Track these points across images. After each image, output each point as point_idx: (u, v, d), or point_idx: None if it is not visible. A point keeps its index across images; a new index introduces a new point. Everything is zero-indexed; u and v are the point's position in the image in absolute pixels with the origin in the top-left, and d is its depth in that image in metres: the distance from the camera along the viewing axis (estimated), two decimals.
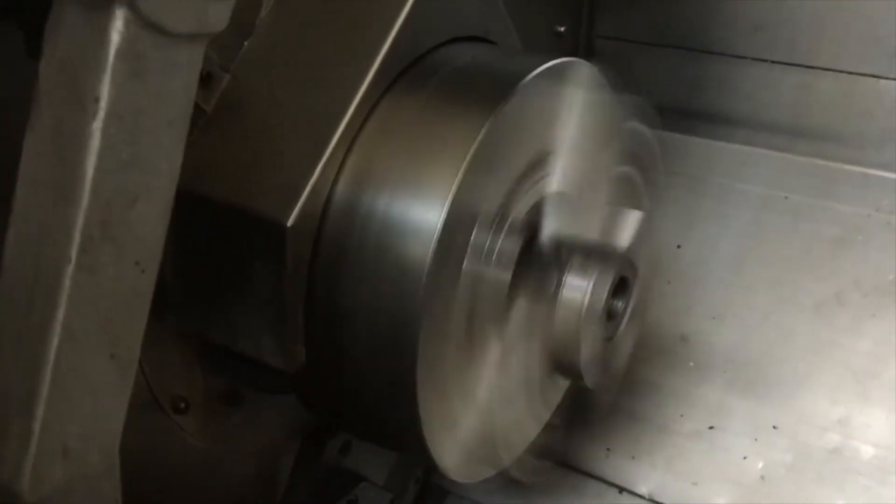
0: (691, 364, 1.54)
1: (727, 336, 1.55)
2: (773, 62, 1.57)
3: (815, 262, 1.54)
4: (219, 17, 0.76)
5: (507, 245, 1.04)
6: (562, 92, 1.09)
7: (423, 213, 0.97)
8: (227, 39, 0.99)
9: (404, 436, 1.07)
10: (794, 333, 1.51)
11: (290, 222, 0.97)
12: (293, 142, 1.02)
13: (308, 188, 0.98)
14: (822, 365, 1.48)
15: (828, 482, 1.40)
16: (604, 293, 1.08)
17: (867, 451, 1.40)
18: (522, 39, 1.26)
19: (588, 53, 1.71)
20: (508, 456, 1.20)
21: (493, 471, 1.20)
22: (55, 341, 0.74)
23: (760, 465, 1.44)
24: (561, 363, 1.12)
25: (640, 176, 1.20)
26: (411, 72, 1.06)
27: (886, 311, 1.48)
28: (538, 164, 1.08)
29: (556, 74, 1.08)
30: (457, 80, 1.06)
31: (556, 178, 1.10)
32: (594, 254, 1.08)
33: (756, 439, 1.46)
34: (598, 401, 1.27)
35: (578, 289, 1.07)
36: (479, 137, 0.98)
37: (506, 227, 1.04)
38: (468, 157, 0.97)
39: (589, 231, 1.10)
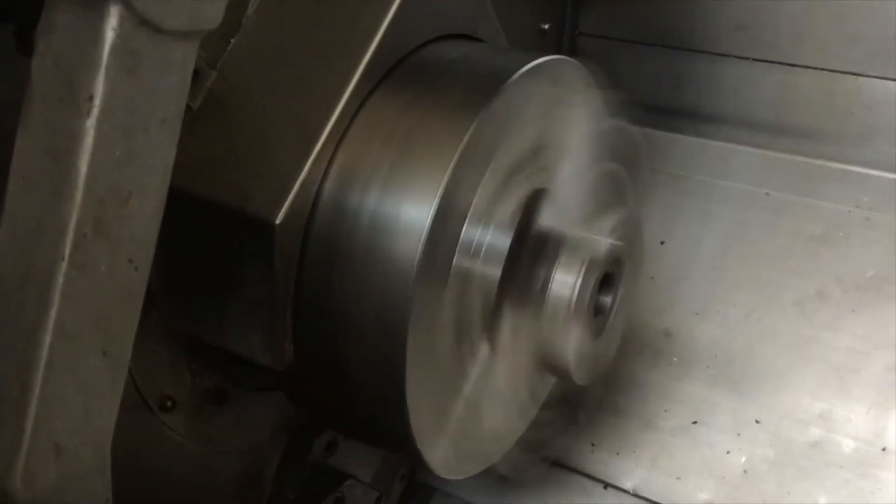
0: (675, 360, 1.55)
1: (710, 332, 1.56)
2: (754, 60, 1.57)
3: (796, 258, 1.55)
4: (213, 13, 0.77)
5: (496, 242, 1.05)
6: (549, 90, 1.09)
7: (411, 211, 0.97)
8: (214, 37, 0.99)
9: (393, 433, 1.07)
10: (775, 329, 1.52)
11: (278, 220, 0.97)
12: (281, 139, 1.01)
13: (296, 186, 0.98)
14: (803, 360, 1.49)
15: (809, 476, 1.41)
16: (590, 288, 1.09)
17: (848, 444, 1.41)
18: (506, 36, 1.26)
19: (571, 51, 1.71)
20: (496, 452, 1.21)
21: (481, 467, 1.20)
22: (48, 339, 0.73)
23: (743, 459, 1.45)
24: (549, 359, 1.12)
25: (624, 172, 1.20)
26: (399, 69, 1.06)
27: (866, 306, 1.49)
28: (525, 161, 1.08)
29: (544, 72, 1.09)
30: (445, 77, 1.06)
31: (543, 175, 1.10)
32: (581, 250, 1.09)
33: (739, 434, 1.47)
34: (583, 397, 1.28)
35: (566, 284, 1.07)
36: (467, 135, 0.98)
37: (494, 225, 1.04)
38: (456, 155, 0.97)
39: (576, 227, 1.10)
